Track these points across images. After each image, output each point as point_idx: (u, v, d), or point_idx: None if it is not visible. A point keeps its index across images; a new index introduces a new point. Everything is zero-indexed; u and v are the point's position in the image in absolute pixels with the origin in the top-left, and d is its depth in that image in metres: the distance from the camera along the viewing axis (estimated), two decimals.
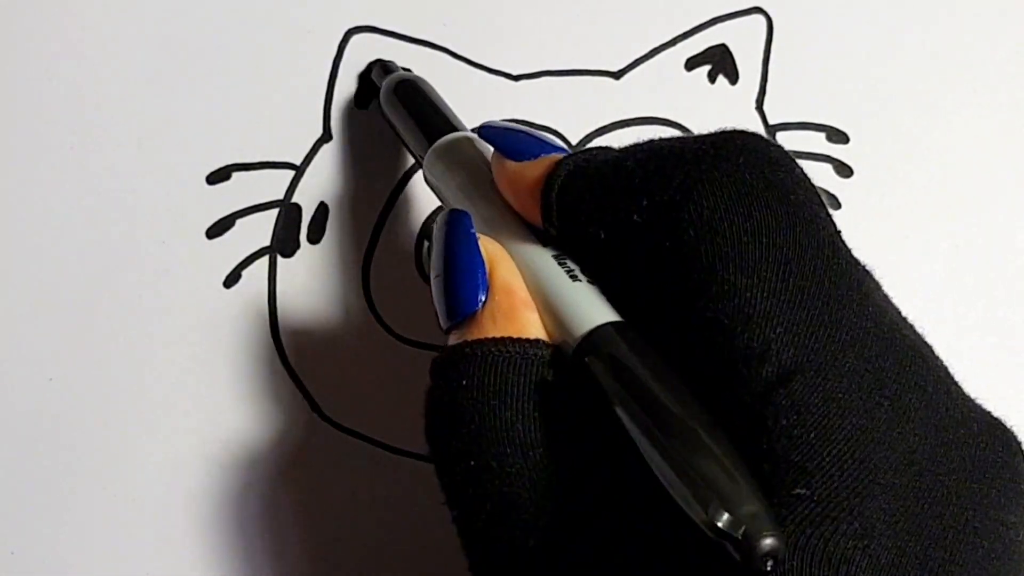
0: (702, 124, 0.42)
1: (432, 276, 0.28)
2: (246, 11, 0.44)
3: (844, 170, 0.41)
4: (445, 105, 0.36)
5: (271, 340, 0.40)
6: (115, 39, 0.44)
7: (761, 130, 0.42)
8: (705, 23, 0.43)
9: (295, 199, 0.41)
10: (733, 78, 0.42)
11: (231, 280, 0.41)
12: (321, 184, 0.42)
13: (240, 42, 0.43)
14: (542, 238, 0.29)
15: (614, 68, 0.43)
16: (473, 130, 0.34)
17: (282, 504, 0.38)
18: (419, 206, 0.41)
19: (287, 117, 0.42)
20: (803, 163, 0.41)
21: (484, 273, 0.27)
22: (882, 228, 0.40)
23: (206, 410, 0.39)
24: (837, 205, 0.41)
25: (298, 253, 0.41)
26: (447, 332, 0.28)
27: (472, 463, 0.25)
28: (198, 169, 0.42)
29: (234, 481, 0.38)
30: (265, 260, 0.41)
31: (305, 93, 0.43)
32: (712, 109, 0.42)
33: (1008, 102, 0.42)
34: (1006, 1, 0.43)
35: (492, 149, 0.30)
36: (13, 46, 0.44)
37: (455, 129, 0.34)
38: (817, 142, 0.41)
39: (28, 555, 0.38)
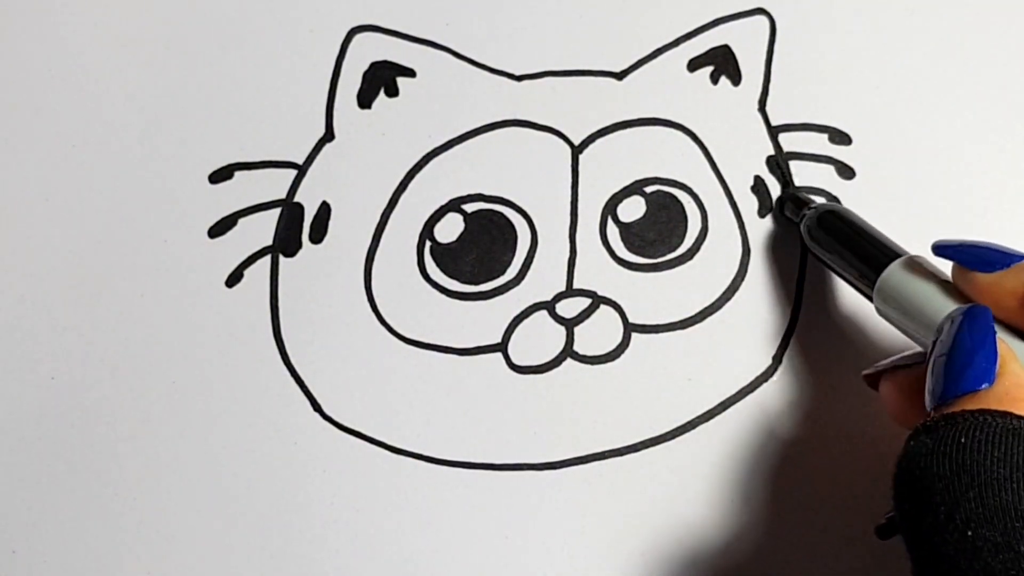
0: (705, 125, 0.42)
1: (934, 355, 0.29)
2: (248, 10, 0.44)
3: (847, 171, 0.41)
4: (874, 228, 0.37)
5: (273, 340, 0.40)
6: (117, 38, 0.44)
7: (763, 131, 0.42)
8: (708, 24, 0.43)
9: (297, 198, 0.41)
10: (736, 79, 0.42)
11: (233, 279, 0.41)
12: (323, 183, 0.42)
13: (242, 41, 0.43)
14: None
15: (616, 69, 0.43)
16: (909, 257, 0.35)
17: (282, 504, 0.38)
18: (421, 206, 0.41)
19: (290, 116, 0.42)
20: (805, 165, 0.42)
21: (996, 362, 0.28)
22: (884, 229, 0.40)
23: (207, 410, 0.39)
24: None
25: (300, 253, 0.41)
26: (934, 408, 0.28)
27: (969, 533, 0.25)
28: (200, 168, 0.42)
29: (234, 481, 0.38)
30: (267, 259, 0.41)
31: (308, 92, 0.43)
32: (714, 110, 0.42)
33: (1009, 103, 0.42)
34: (1007, 3, 0.43)
35: (950, 264, 0.32)
36: (14, 46, 0.44)
37: (895, 253, 0.35)
38: (820, 143, 0.41)
39: (28, 555, 0.38)
